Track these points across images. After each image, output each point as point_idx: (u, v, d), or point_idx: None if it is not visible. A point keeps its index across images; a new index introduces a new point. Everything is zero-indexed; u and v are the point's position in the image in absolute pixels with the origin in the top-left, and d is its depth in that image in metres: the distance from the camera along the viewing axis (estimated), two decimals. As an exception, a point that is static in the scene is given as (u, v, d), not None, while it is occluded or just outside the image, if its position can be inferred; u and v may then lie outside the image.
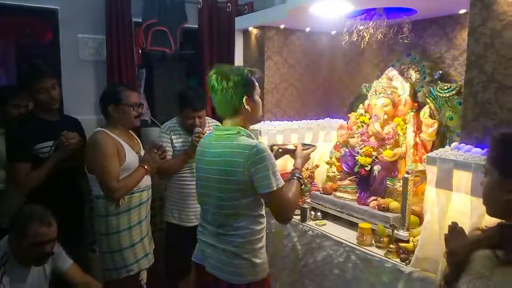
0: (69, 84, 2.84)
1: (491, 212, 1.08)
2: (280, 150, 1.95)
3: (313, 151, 1.95)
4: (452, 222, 1.24)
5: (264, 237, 1.75)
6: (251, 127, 1.84)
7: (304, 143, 2.00)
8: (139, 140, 2.44)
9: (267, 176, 1.55)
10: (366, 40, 2.35)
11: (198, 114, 2.51)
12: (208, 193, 1.71)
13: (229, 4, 3.25)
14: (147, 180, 2.34)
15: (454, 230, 1.21)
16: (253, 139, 1.65)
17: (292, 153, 1.91)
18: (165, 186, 2.73)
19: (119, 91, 2.25)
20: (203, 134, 2.41)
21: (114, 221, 2.20)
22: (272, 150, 1.89)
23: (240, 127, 1.65)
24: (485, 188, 1.08)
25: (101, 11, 2.84)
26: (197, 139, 2.40)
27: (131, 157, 2.22)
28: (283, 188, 1.61)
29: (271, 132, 2.68)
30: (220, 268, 1.68)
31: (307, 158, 1.91)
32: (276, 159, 1.72)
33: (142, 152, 2.37)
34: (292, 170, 1.82)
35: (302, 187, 2.48)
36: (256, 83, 1.70)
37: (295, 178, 1.76)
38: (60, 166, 2.27)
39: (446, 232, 1.26)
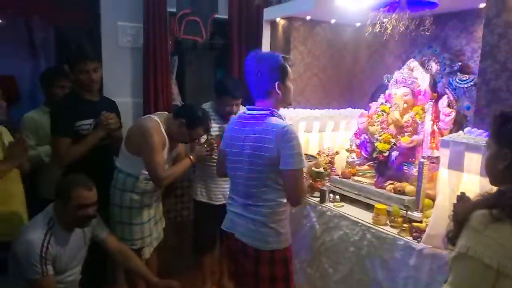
0: (108, 68, 3.03)
1: (492, 182, 1.20)
2: None
3: (314, 163, 2.16)
4: (460, 192, 1.38)
5: (288, 210, 1.89)
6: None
7: (307, 154, 2.16)
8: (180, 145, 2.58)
9: (292, 155, 1.69)
10: (389, 31, 2.45)
11: (236, 102, 2.66)
12: (239, 167, 1.85)
13: (258, -5, 3.39)
14: None
15: (462, 198, 1.35)
16: (284, 120, 1.80)
17: None
18: (194, 167, 2.89)
19: (206, 121, 2.42)
20: (213, 148, 2.57)
21: (127, 198, 2.34)
22: None
23: (272, 109, 1.80)
24: (486, 160, 1.21)
25: (139, 1, 3.03)
26: (206, 151, 2.54)
27: (164, 155, 2.36)
28: (303, 172, 1.75)
29: (294, 118, 2.81)
30: (248, 235, 1.83)
31: (309, 168, 2.07)
32: None
33: (175, 151, 2.50)
34: None
35: (322, 170, 2.64)
36: (289, 70, 1.84)
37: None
38: (97, 144, 2.42)
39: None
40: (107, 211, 2.46)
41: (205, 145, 2.52)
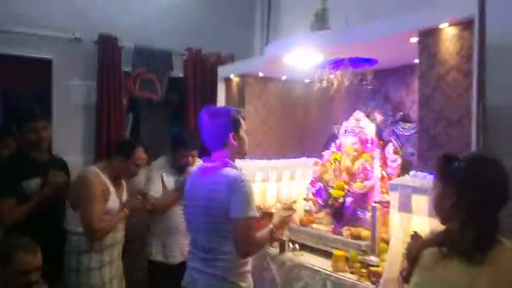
0: (59, 126, 3.00)
1: (441, 221, 1.27)
2: (262, 212, 2.16)
3: (291, 215, 2.17)
4: (413, 231, 1.44)
5: (250, 262, 1.87)
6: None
7: (284, 205, 2.21)
8: (124, 184, 2.54)
9: (240, 202, 1.69)
10: (335, 87, 2.63)
11: (192, 153, 2.68)
12: (195, 220, 1.84)
13: (212, 55, 3.55)
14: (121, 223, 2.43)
15: (415, 237, 1.41)
16: (237, 170, 1.83)
17: (269, 217, 2.13)
18: (147, 225, 2.80)
19: (134, 148, 2.44)
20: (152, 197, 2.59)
21: (86, 259, 2.25)
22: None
23: (227, 159, 1.84)
24: (433, 200, 1.30)
25: (93, 60, 3.07)
26: (141, 197, 2.55)
27: (112, 203, 2.33)
28: (253, 221, 1.73)
29: (252, 169, 2.85)
30: None
31: (284, 221, 2.06)
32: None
33: (125, 195, 2.48)
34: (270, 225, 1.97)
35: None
36: (242, 121, 1.91)
37: (268, 230, 1.91)
38: (44, 204, 2.31)
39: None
40: (56, 275, 2.32)
41: (138, 197, 2.50)
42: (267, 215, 2.13)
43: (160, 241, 2.70)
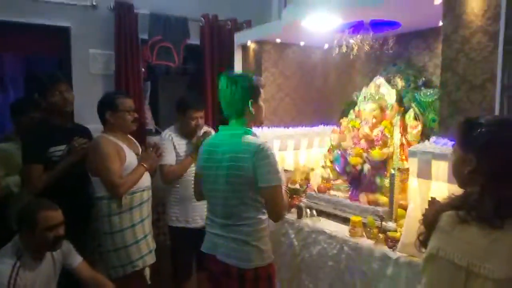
0: (79, 95, 3.01)
1: (460, 185, 1.25)
2: None
3: (290, 175, 2.24)
4: (431, 197, 1.43)
5: (268, 227, 1.90)
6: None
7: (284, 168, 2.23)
8: (138, 144, 2.58)
9: (268, 171, 1.72)
10: (355, 52, 2.56)
11: (200, 114, 2.68)
12: (216, 187, 1.85)
13: (228, 21, 3.50)
14: (147, 180, 2.47)
15: (433, 203, 1.40)
16: (258, 138, 1.84)
17: None
18: (166, 192, 2.84)
19: (115, 98, 2.40)
20: (208, 135, 2.59)
21: (117, 220, 2.31)
22: None
23: (246, 127, 1.84)
24: (452, 165, 1.27)
25: (110, 28, 3.07)
26: (201, 140, 2.56)
27: (131, 158, 2.36)
28: (281, 188, 1.79)
29: (269, 137, 2.85)
30: (231, 255, 1.81)
31: (287, 180, 2.13)
32: None
33: (140, 150, 2.51)
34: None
35: (298, 186, 2.67)
36: (261, 89, 1.90)
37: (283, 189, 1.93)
38: (71, 170, 2.40)
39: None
40: (83, 240, 2.42)
41: (151, 149, 2.52)
42: None
43: (179, 208, 2.75)
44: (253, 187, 1.76)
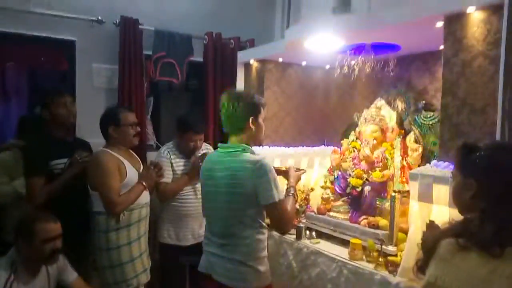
0: (82, 109, 3.03)
1: (460, 211, 1.23)
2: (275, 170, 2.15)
3: (303, 173, 2.20)
4: (429, 220, 1.41)
5: (266, 247, 1.88)
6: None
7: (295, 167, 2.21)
8: (139, 159, 2.58)
9: (270, 188, 1.71)
10: (356, 73, 2.58)
11: (200, 137, 2.69)
12: (215, 206, 1.85)
13: (232, 40, 3.53)
14: (146, 197, 2.45)
15: (431, 226, 1.38)
16: (257, 155, 1.83)
17: (284, 174, 2.12)
18: (160, 208, 2.81)
19: (117, 112, 2.41)
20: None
21: (114, 237, 2.29)
22: None
23: (245, 145, 1.83)
24: (452, 190, 1.26)
25: (115, 43, 3.10)
26: (200, 162, 2.55)
27: (132, 174, 2.35)
28: (284, 200, 1.78)
29: (269, 156, 2.84)
30: (227, 276, 1.79)
31: (298, 178, 2.12)
32: None
33: (141, 167, 2.51)
34: (287, 188, 2.00)
35: (297, 207, 2.65)
36: (262, 108, 1.90)
37: (291, 194, 1.94)
38: (71, 184, 2.40)
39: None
40: (80, 255, 2.40)
41: (152, 167, 2.51)
42: (279, 172, 2.13)
43: (172, 225, 2.73)
44: (253, 205, 1.75)
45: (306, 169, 2.34)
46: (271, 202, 1.72)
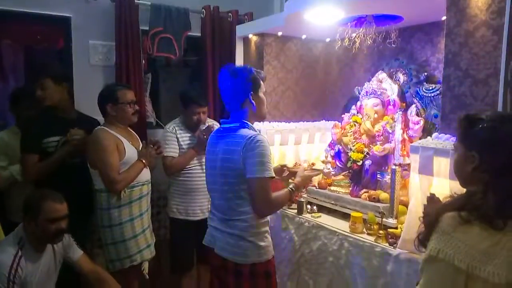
0: (80, 87, 3.02)
1: (462, 184, 1.23)
2: (287, 171, 2.17)
3: (316, 175, 2.20)
4: (430, 193, 1.41)
5: (268, 222, 1.89)
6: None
7: (313, 168, 2.26)
8: (138, 137, 2.58)
9: (255, 162, 1.69)
10: (357, 45, 2.53)
11: (203, 110, 2.70)
12: (214, 180, 1.86)
13: (230, 13, 3.46)
14: (146, 175, 2.47)
15: (431, 199, 1.38)
16: (255, 131, 1.82)
17: (293, 174, 2.14)
18: (168, 184, 2.86)
19: (115, 90, 2.40)
20: (212, 129, 2.59)
21: (116, 213, 2.32)
22: (281, 170, 2.13)
23: (244, 121, 1.82)
24: (454, 162, 1.25)
25: (111, 19, 3.04)
26: (205, 135, 2.57)
27: (131, 152, 2.36)
28: (269, 182, 1.73)
29: (269, 132, 2.84)
30: (227, 250, 1.82)
31: (307, 179, 2.09)
32: (283, 180, 1.96)
33: (141, 144, 2.52)
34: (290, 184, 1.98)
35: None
36: (261, 81, 1.88)
37: (288, 188, 1.93)
38: (70, 161, 2.42)
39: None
40: (83, 233, 2.42)
41: (151, 146, 2.51)
42: (293, 173, 2.13)
43: (181, 200, 2.77)
44: (245, 179, 1.74)
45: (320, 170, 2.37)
46: (251, 177, 1.70)
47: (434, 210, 1.19)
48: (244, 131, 1.78)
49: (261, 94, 1.88)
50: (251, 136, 1.72)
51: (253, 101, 1.82)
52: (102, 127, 2.37)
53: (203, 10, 3.38)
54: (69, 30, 3.02)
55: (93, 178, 2.36)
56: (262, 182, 1.71)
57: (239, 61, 3.24)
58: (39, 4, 2.88)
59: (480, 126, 1.13)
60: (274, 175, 1.77)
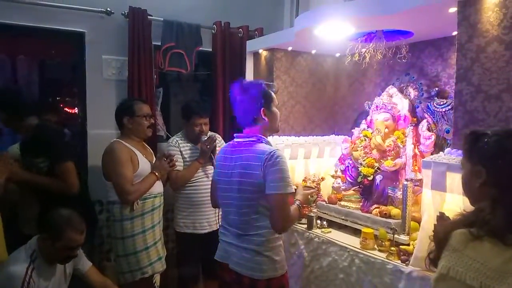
0: (93, 100, 3.07)
1: (472, 202, 1.21)
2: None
3: (312, 192, 2.21)
4: (439, 212, 1.39)
5: (282, 236, 1.88)
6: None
7: (306, 185, 2.30)
8: (151, 150, 2.62)
9: (276, 179, 1.69)
10: (367, 60, 2.54)
11: (204, 121, 2.72)
12: (229, 195, 1.84)
13: (240, 29, 3.50)
14: (159, 187, 2.49)
15: (441, 218, 1.36)
16: (271, 146, 1.82)
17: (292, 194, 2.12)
18: (175, 198, 2.84)
19: (133, 104, 2.45)
20: (214, 141, 2.62)
21: (128, 225, 2.33)
22: None
23: (259, 135, 1.82)
24: (462, 179, 1.23)
25: (124, 35, 3.09)
26: (208, 145, 2.59)
27: (144, 165, 2.39)
28: (289, 198, 1.74)
29: (279, 146, 2.84)
30: (243, 265, 1.80)
31: (306, 197, 2.09)
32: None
33: (154, 158, 2.56)
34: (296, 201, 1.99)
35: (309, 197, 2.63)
36: (274, 96, 1.88)
37: (296, 204, 1.93)
38: None
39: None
40: (89, 245, 2.42)
41: (164, 158, 2.53)
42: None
43: (188, 214, 2.76)
44: (264, 194, 1.74)
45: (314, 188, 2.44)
46: (272, 192, 1.69)
47: (443, 227, 1.17)
48: (262, 146, 1.78)
49: (273, 109, 1.88)
50: (271, 152, 1.72)
51: (265, 117, 1.82)
52: (117, 139, 2.41)
53: (214, 26, 3.43)
54: (83, 45, 3.08)
55: (107, 189, 2.38)
56: (284, 198, 1.72)
57: (249, 76, 3.26)
58: (54, 20, 2.95)
59: (486, 140, 1.12)
60: (293, 191, 1.77)
